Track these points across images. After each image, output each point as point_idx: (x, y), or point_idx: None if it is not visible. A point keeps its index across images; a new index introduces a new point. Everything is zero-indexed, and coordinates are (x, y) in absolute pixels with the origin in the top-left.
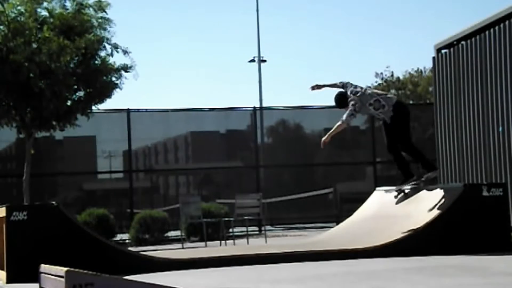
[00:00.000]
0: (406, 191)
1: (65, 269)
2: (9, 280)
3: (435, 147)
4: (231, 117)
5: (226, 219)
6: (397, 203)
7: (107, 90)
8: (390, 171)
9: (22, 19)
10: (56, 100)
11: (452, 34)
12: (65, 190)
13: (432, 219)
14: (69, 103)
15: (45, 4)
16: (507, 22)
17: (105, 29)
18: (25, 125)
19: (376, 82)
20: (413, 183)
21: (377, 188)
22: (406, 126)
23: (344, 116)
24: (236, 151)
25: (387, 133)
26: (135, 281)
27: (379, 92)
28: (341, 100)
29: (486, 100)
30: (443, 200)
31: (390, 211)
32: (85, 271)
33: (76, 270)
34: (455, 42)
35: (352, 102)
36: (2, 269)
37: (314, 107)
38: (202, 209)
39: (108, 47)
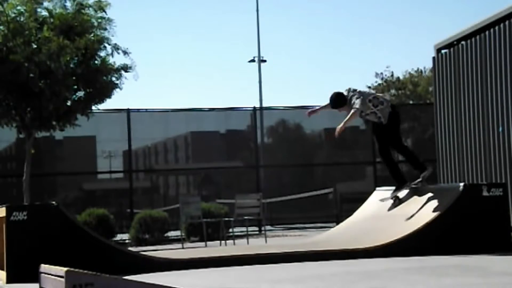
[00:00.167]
0: (401, 197)
1: (65, 269)
2: (9, 280)
3: (435, 147)
4: (231, 117)
5: (226, 219)
6: (389, 209)
7: (107, 90)
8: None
9: (22, 19)
10: (56, 100)
11: (452, 34)
12: (65, 190)
13: (432, 219)
14: (69, 103)
15: (45, 4)
16: (507, 22)
17: (105, 29)
18: (25, 125)
19: (376, 82)
20: (413, 185)
21: (377, 188)
22: (399, 127)
23: (358, 103)
24: (236, 151)
25: (379, 136)
26: (135, 281)
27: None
28: (337, 100)
29: (486, 100)
30: (443, 200)
31: (390, 211)
32: (85, 271)
33: (76, 270)
34: (455, 42)
35: (356, 95)
36: (2, 269)
37: (314, 107)
38: (202, 209)
39: (108, 47)
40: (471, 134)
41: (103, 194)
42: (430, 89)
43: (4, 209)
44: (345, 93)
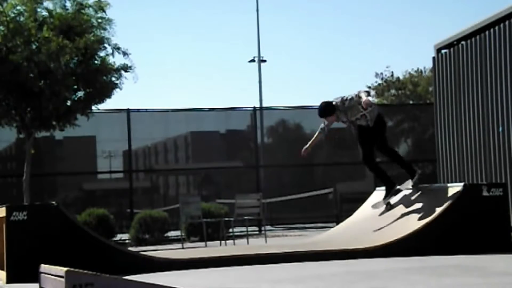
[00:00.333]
0: (392, 202)
1: (65, 269)
2: (9, 280)
3: (435, 147)
4: (231, 117)
5: (226, 219)
6: (380, 214)
7: (107, 90)
8: (390, 171)
9: (22, 19)
10: (55, 100)
11: (452, 34)
12: (65, 190)
13: (432, 219)
14: (69, 103)
15: (45, 4)
16: (507, 22)
17: (105, 29)
18: (25, 125)
19: (376, 82)
20: (406, 188)
21: (377, 188)
22: (385, 130)
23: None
24: (236, 151)
25: (365, 140)
26: (135, 281)
27: None
28: (326, 109)
29: (486, 100)
30: (443, 200)
31: (390, 211)
32: (85, 271)
33: (76, 270)
34: (455, 42)
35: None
36: (2, 269)
37: (314, 107)
38: (202, 209)
39: (108, 47)
40: (471, 134)
41: (103, 194)
42: (430, 89)
43: (4, 209)
44: (335, 102)
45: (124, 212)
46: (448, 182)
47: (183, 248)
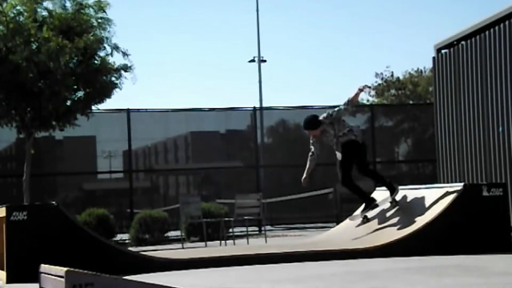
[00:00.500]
0: (369, 216)
1: (65, 269)
2: (9, 280)
3: (435, 147)
4: (231, 117)
5: (226, 219)
6: (357, 226)
7: (106, 90)
8: (390, 171)
9: (22, 19)
10: (55, 100)
11: (452, 34)
12: (65, 190)
13: (432, 219)
14: (68, 103)
15: (44, 4)
16: (507, 22)
17: (104, 29)
18: (25, 125)
19: (376, 82)
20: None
21: (377, 188)
22: (367, 153)
23: (316, 148)
24: (236, 151)
25: (344, 163)
26: (135, 281)
27: None
28: (311, 122)
29: (486, 100)
30: (443, 200)
31: (390, 211)
32: (85, 271)
33: (76, 270)
34: (455, 42)
35: (330, 121)
36: (2, 269)
37: (314, 107)
38: (202, 209)
39: (107, 47)
40: (471, 134)
41: (103, 194)
42: (430, 89)
43: (4, 209)
44: (321, 117)
45: (124, 212)
46: (448, 182)
47: (183, 248)
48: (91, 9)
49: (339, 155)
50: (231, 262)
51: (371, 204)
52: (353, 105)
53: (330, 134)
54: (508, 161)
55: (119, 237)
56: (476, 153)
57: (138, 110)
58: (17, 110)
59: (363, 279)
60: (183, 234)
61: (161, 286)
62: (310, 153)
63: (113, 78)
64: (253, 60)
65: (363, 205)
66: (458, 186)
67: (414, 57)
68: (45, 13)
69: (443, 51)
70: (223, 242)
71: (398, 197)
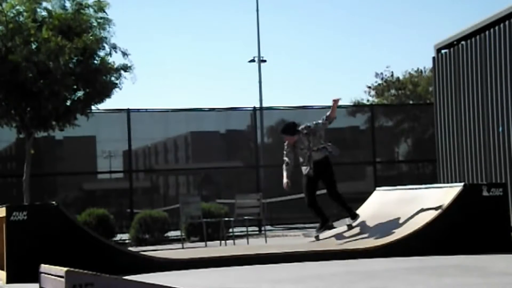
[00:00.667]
0: (321, 237)
1: (65, 269)
2: (9, 280)
3: (435, 147)
4: (231, 117)
5: (226, 219)
6: (310, 242)
7: (106, 89)
8: (390, 171)
9: (21, 19)
10: (55, 99)
11: (452, 34)
12: (65, 190)
13: (432, 219)
14: (68, 103)
15: (44, 4)
16: (507, 22)
17: (104, 29)
18: (25, 125)
19: (376, 82)
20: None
21: (377, 188)
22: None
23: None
24: (236, 151)
25: (313, 185)
26: (135, 281)
27: None
28: (289, 127)
29: (486, 100)
30: (443, 200)
31: (390, 211)
32: (85, 271)
33: (76, 270)
34: (455, 42)
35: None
36: (2, 269)
37: (314, 107)
38: (202, 209)
39: (106, 47)
40: (471, 134)
41: (103, 194)
42: (430, 89)
43: (4, 209)
44: (300, 127)
45: (124, 212)
46: (448, 182)
47: (183, 248)
48: (90, 9)
49: (306, 170)
50: (231, 262)
51: (327, 225)
52: (331, 121)
53: (304, 145)
54: (508, 161)
55: (119, 237)
56: (476, 153)
57: (138, 110)
58: (17, 110)
59: (363, 279)
60: (183, 234)
61: (161, 286)
62: (285, 164)
63: (112, 78)
64: (253, 60)
65: (319, 225)
66: (458, 186)
67: (414, 57)
68: (44, 13)
69: (443, 51)
70: (223, 242)
71: (355, 223)
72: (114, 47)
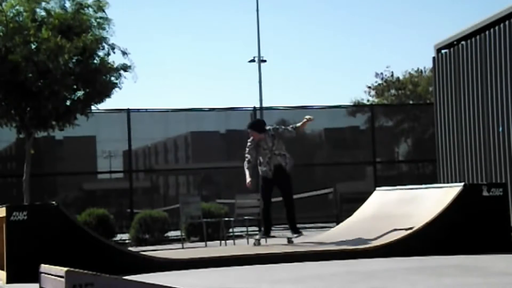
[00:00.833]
0: (261, 243)
1: (65, 269)
2: (9, 280)
3: (435, 147)
4: (231, 117)
5: (226, 219)
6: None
7: (106, 89)
8: (390, 171)
9: (21, 19)
10: (54, 99)
11: (452, 34)
12: (65, 190)
13: (432, 219)
14: (68, 102)
15: (43, 4)
16: (507, 22)
17: (104, 29)
18: (25, 125)
19: (376, 82)
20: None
21: (377, 188)
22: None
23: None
24: (236, 151)
25: (268, 190)
26: (135, 281)
27: None
28: (257, 123)
29: (486, 100)
30: (443, 200)
31: (390, 211)
32: (85, 271)
33: (76, 270)
34: (455, 42)
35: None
36: (2, 269)
37: (314, 107)
38: (202, 209)
39: (106, 47)
40: (471, 134)
41: (103, 194)
42: (430, 89)
43: (4, 209)
44: (269, 127)
45: (124, 212)
46: (448, 182)
47: (183, 248)
48: (90, 9)
49: (265, 171)
50: (231, 262)
51: (268, 233)
52: (299, 131)
53: (267, 146)
54: (508, 161)
55: (119, 237)
56: (476, 153)
57: (138, 110)
58: (17, 110)
59: (363, 279)
60: (183, 234)
61: (161, 286)
62: (247, 161)
63: (112, 78)
64: (253, 60)
65: (263, 230)
66: (458, 186)
67: (414, 57)
68: (44, 13)
69: (443, 51)
70: (223, 242)
71: (297, 240)
72: (113, 47)
